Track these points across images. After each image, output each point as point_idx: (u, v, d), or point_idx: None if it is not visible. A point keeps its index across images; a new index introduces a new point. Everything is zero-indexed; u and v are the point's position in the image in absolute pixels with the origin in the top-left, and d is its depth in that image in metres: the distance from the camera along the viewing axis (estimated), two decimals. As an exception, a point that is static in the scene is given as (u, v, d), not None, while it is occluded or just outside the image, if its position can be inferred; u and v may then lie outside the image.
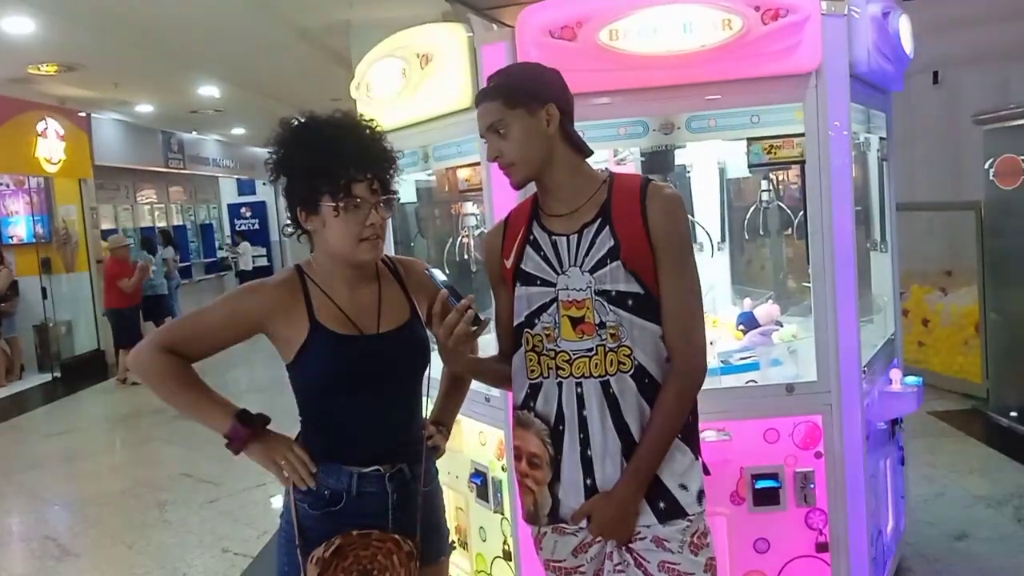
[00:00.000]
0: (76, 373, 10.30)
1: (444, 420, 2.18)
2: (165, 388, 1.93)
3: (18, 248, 11.00)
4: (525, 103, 1.87)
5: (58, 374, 10.33)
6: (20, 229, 11.15)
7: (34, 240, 10.91)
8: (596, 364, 1.87)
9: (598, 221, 1.89)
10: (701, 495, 1.94)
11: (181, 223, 16.32)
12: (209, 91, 11.23)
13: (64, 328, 10.73)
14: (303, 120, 1.92)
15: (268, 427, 1.97)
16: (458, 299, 1.83)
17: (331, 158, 1.84)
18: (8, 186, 11.11)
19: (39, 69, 8.91)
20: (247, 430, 1.90)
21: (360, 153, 1.87)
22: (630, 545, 1.91)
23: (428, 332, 1.98)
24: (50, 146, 10.38)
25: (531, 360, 1.94)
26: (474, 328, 1.82)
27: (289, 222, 1.97)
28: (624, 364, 1.86)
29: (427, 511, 2.03)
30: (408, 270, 2.08)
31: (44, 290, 10.55)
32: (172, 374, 1.92)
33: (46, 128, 10.30)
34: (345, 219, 1.85)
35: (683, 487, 1.90)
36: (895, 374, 3.21)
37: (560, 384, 1.90)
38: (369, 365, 1.92)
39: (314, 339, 1.89)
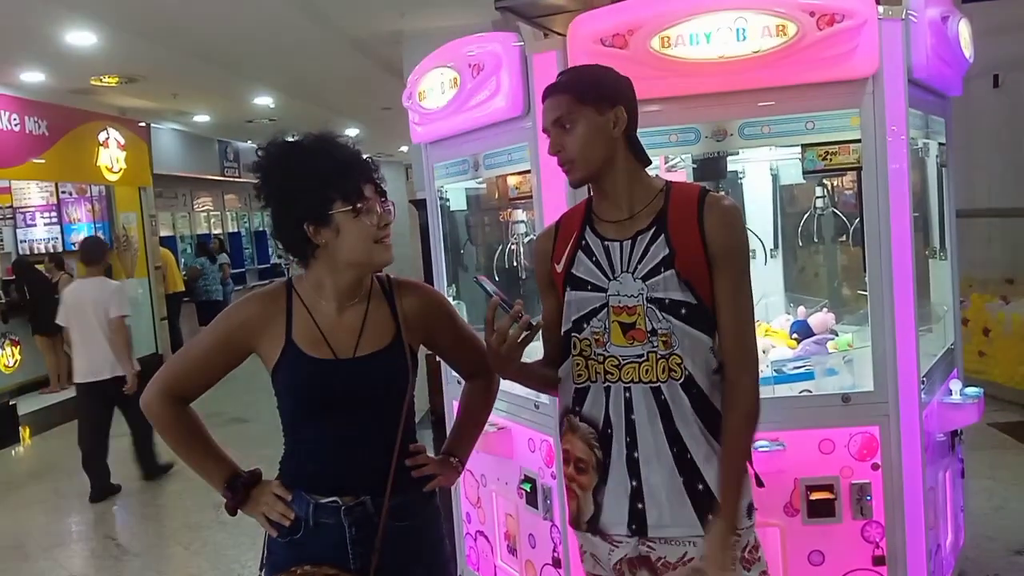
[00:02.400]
0: (135, 376, 10.53)
1: (458, 452, 2.12)
2: (170, 441, 1.97)
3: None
4: (595, 101, 1.87)
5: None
6: (82, 236, 11.45)
7: (96, 247, 11.22)
8: (647, 370, 1.86)
9: (653, 229, 1.88)
10: (751, 509, 1.92)
11: (236, 230, 16.63)
12: (264, 101, 11.43)
13: (124, 332, 10.99)
14: (287, 141, 1.89)
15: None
16: (509, 306, 1.83)
17: (337, 165, 1.83)
18: (71, 194, 11.44)
19: (101, 80, 9.16)
20: (235, 498, 1.91)
21: (356, 158, 1.88)
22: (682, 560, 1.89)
23: (409, 359, 1.94)
24: (111, 155, 10.67)
25: (578, 365, 1.93)
26: (526, 334, 1.82)
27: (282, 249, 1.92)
28: (675, 372, 1.85)
29: (399, 548, 1.90)
30: (403, 292, 1.98)
31: (105, 296, 10.81)
32: (176, 427, 1.94)
33: (107, 138, 10.58)
34: (360, 222, 1.82)
35: (732, 502, 1.89)
36: (955, 384, 3.13)
37: (608, 389, 1.90)
38: (335, 391, 1.86)
39: (286, 358, 1.87)
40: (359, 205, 1.81)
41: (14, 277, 9.95)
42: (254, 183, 1.92)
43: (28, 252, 11.28)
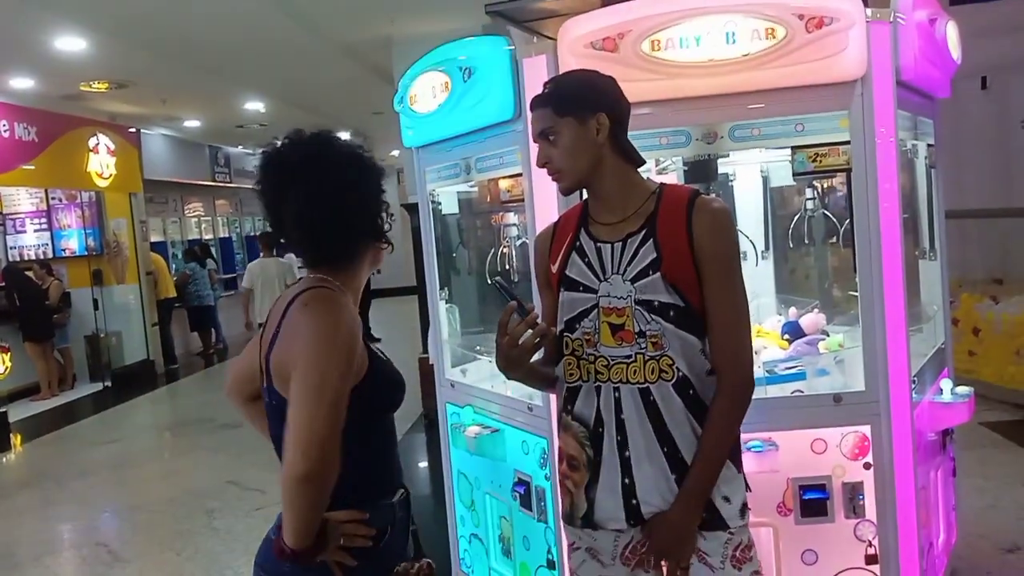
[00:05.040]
0: (126, 382, 10.53)
1: None
2: (322, 506, 1.68)
3: (70, 260, 11.28)
4: (574, 111, 1.89)
5: (109, 383, 10.57)
6: (72, 242, 11.43)
7: (86, 252, 11.20)
8: (634, 371, 1.87)
9: (643, 232, 1.90)
10: (744, 509, 1.93)
11: (227, 235, 16.57)
12: (255, 106, 11.42)
13: (115, 339, 10.98)
14: (332, 135, 1.85)
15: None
16: (524, 311, 1.84)
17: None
18: (61, 200, 11.40)
19: (91, 86, 9.13)
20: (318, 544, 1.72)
21: None
22: None
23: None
24: (101, 161, 10.64)
25: (570, 364, 1.95)
26: (539, 340, 1.85)
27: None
28: (666, 373, 1.86)
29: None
30: None
31: (96, 301, 10.81)
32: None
33: (97, 144, 10.56)
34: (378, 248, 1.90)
35: (726, 499, 1.90)
36: (945, 384, 3.15)
37: (598, 388, 1.92)
38: (404, 385, 1.91)
39: (374, 369, 1.78)
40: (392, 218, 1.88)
41: (4, 284, 9.92)
42: (291, 173, 1.76)
43: (18, 258, 11.24)
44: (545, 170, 1.97)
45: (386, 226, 1.87)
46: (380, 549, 1.80)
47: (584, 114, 1.89)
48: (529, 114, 2.01)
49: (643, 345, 1.87)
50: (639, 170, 1.99)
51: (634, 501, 1.89)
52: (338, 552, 1.74)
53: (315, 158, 1.79)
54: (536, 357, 1.93)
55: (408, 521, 1.91)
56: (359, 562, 1.76)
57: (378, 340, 2.24)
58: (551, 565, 2.98)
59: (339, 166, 1.79)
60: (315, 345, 1.66)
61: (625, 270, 1.89)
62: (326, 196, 1.76)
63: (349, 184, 1.79)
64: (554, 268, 1.99)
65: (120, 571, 4.79)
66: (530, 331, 1.83)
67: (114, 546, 5.24)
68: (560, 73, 2.04)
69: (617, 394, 1.89)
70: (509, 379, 2.06)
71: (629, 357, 1.88)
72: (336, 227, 1.78)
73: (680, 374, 1.86)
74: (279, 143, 1.83)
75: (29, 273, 10.24)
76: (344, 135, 2.05)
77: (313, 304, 1.73)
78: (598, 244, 1.94)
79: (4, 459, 7.84)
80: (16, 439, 8.31)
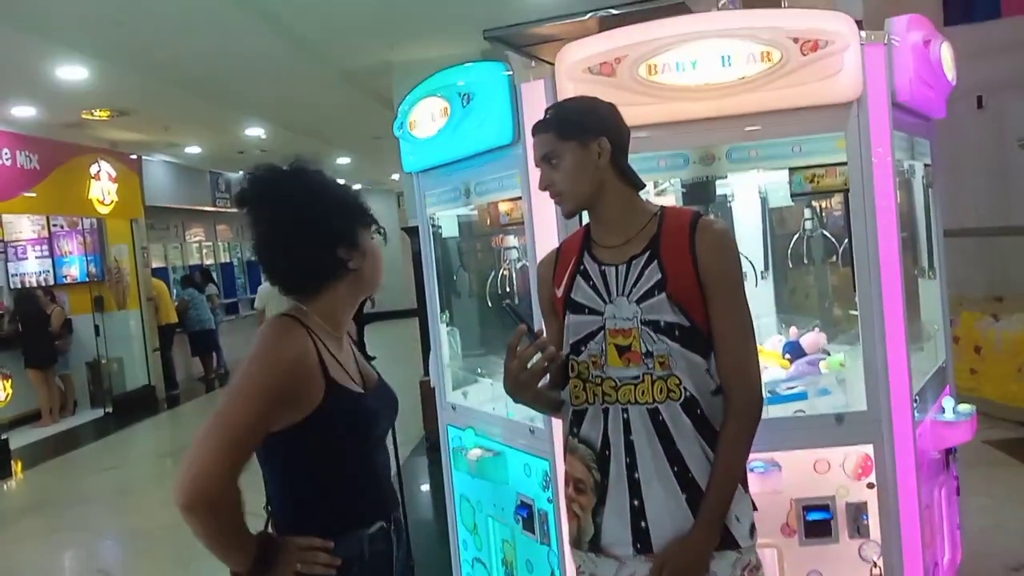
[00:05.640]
0: (127, 408, 10.51)
1: None
2: (224, 533, 1.68)
3: (72, 287, 11.30)
4: (577, 135, 1.91)
5: (110, 409, 10.55)
6: (74, 269, 11.46)
7: (87, 279, 11.22)
8: (642, 392, 1.88)
9: (647, 254, 1.92)
10: (753, 529, 1.93)
11: (228, 260, 16.61)
12: (255, 132, 11.49)
13: (116, 365, 10.98)
14: (301, 166, 1.84)
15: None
16: (533, 335, 1.86)
17: (351, 191, 1.90)
18: (63, 227, 11.44)
19: (92, 114, 9.20)
20: (263, 569, 1.73)
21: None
22: None
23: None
24: (103, 188, 10.69)
25: (576, 387, 1.96)
26: (547, 364, 1.85)
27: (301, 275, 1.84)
28: (674, 393, 1.87)
29: (409, 553, 2.02)
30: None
31: (97, 328, 10.82)
32: (237, 517, 1.69)
33: (99, 171, 10.61)
34: (379, 243, 1.89)
35: (737, 519, 1.90)
36: (947, 402, 3.15)
37: (606, 410, 1.92)
38: (374, 421, 1.89)
39: (330, 400, 1.75)
40: (375, 228, 1.88)
41: (12, 309, 9.94)
42: (249, 208, 1.81)
43: (20, 285, 11.26)
44: (548, 193, 1.99)
45: (348, 256, 1.82)
46: None
47: (586, 138, 1.91)
48: (529, 139, 2.03)
49: (651, 365, 1.88)
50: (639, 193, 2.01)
51: (643, 524, 1.89)
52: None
53: (263, 197, 1.83)
54: (543, 381, 1.94)
55: (389, 555, 1.88)
56: None
57: (373, 358, 2.27)
58: (555, 588, 2.96)
59: (288, 205, 1.80)
60: (240, 373, 1.70)
61: (630, 291, 1.91)
62: (275, 235, 1.80)
63: (299, 221, 1.79)
64: (559, 292, 2.01)
65: (122, 599, 4.77)
66: (539, 354, 1.84)
67: (115, 572, 5.23)
68: (561, 99, 2.06)
69: (626, 415, 1.89)
70: (516, 403, 2.06)
71: (637, 378, 1.89)
72: (287, 263, 1.82)
73: (688, 394, 1.87)
74: (245, 179, 1.88)
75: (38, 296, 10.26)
76: (344, 160, 2.07)
77: (263, 331, 1.77)
78: (602, 267, 1.96)
79: (5, 486, 7.82)
80: (17, 465, 8.29)
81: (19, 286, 11.23)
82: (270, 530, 1.86)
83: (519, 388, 1.91)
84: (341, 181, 2.00)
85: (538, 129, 1.98)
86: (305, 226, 1.79)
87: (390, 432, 2.02)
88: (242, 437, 1.65)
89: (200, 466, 1.61)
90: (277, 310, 1.88)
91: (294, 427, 1.74)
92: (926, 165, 3.43)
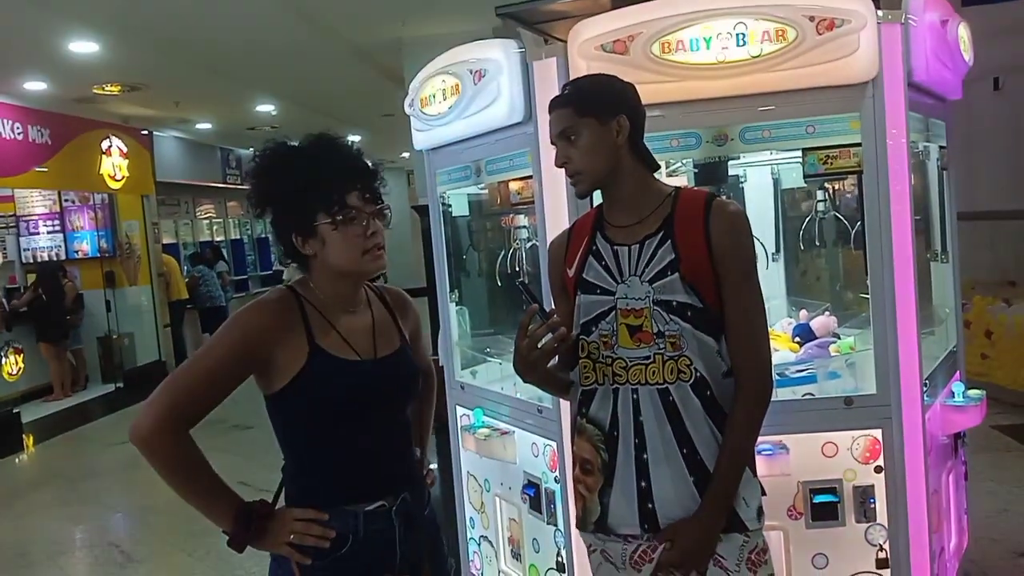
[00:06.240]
0: (138, 383, 10.57)
1: (422, 446, 2.15)
2: (173, 476, 1.75)
3: (83, 262, 11.35)
4: (596, 112, 1.89)
5: (121, 384, 10.63)
6: (85, 244, 11.49)
7: (99, 255, 11.27)
8: (653, 372, 1.87)
9: (660, 234, 1.91)
10: (760, 512, 1.93)
11: (238, 237, 16.63)
12: (266, 108, 11.46)
13: (127, 340, 11.05)
14: (279, 146, 1.85)
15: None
16: (545, 315, 1.85)
17: (319, 173, 1.80)
18: (74, 202, 11.48)
19: (103, 89, 9.18)
20: (247, 532, 1.76)
21: (345, 164, 1.83)
22: None
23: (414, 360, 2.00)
24: (114, 163, 10.72)
25: (586, 367, 1.95)
26: (556, 345, 1.85)
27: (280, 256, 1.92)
28: (684, 373, 1.86)
29: (432, 537, 1.99)
30: (394, 298, 2.02)
31: (108, 303, 10.88)
32: (182, 459, 1.75)
33: (110, 146, 10.63)
34: (344, 232, 1.79)
35: (744, 501, 1.90)
36: (957, 387, 3.14)
37: (616, 391, 1.91)
38: (369, 391, 1.85)
39: (313, 364, 1.78)
40: (339, 217, 1.79)
41: (36, 282, 10.01)
42: (246, 190, 1.87)
43: (32, 260, 11.33)
44: (564, 171, 1.97)
45: (302, 244, 1.83)
46: (341, 555, 1.80)
47: (605, 115, 1.89)
48: (541, 117, 2.02)
49: (662, 346, 1.87)
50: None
51: (650, 505, 1.89)
52: (285, 547, 1.78)
53: (253, 173, 1.88)
54: (552, 362, 1.94)
55: (391, 535, 1.85)
56: (316, 562, 1.78)
57: None
58: (561, 568, 2.98)
59: (256, 179, 1.87)
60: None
61: (643, 271, 1.90)
62: (259, 208, 1.86)
63: (260, 205, 1.86)
64: (570, 272, 2.00)
65: (132, 571, 4.82)
66: (550, 334, 1.83)
67: (126, 546, 5.28)
68: (579, 76, 2.04)
69: (635, 396, 1.89)
70: (525, 382, 2.06)
71: (648, 358, 1.88)
72: (274, 235, 1.87)
73: (698, 375, 1.86)
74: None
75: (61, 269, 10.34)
76: (354, 137, 2.04)
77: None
78: (615, 247, 1.95)
79: (17, 459, 7.90)
80: (29, 439, 8.37)
81: (30, 260, 11.29)
82: (281, 501, 1.88)
83: (528, 368, 1.91)
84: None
85: (556, 104, 1.95)
86: (270, 211, 1.85)
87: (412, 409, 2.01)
88: (190, 385, 1.75)
89: (145, 407, 1.75)
90: None
91: (285, 389, 1.80)
92: (941, 147, 3.39)
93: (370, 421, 1.86)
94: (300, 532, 1.78)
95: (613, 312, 1.91)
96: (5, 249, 11.23)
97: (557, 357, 1.96)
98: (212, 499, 1.79)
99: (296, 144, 1.86)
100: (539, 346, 1.85)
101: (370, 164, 1.88)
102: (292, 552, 1.78)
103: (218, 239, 15.50)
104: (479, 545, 3.55)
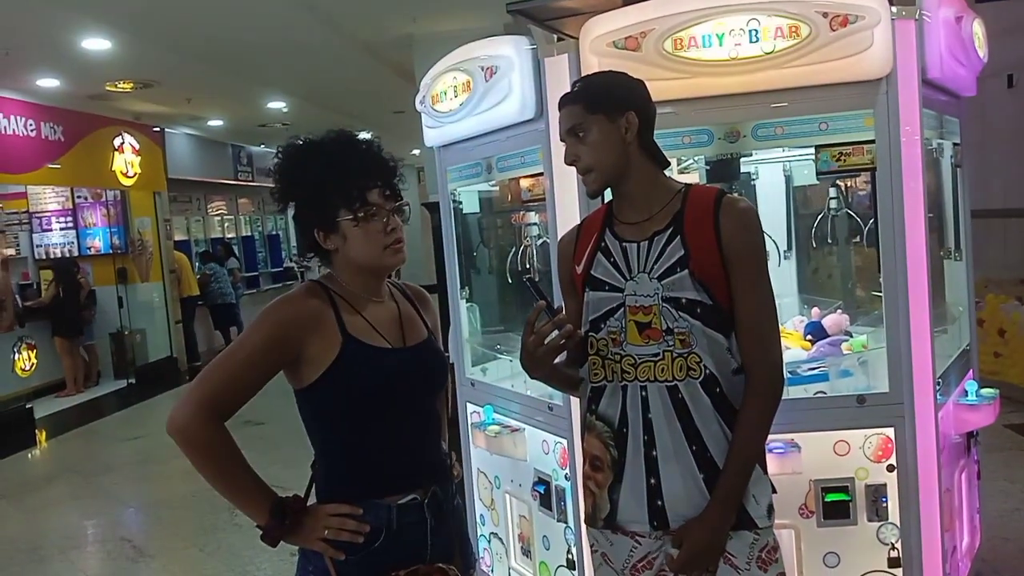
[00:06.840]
0: (150, 379, 10.63)
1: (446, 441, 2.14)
2: (210, 468, 1.77)
3: (96, 259, 11.41)
4: (605, 109, 1.89)
5: (133, 380, 10.68)
6: (98, 240, 11.55)
7: (111, 251, 11.32)
8: (662, 369, 1.87)
9: (669, 230, 1.90)
10: (771, 510, 1.92)
11: (249, 234, 16.68)
12: (277, 105, 11.49)
13: (139, 336, 11.11)
14: (301, 143, 1.88)
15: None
16: (552, 312, 1.84)
17: (340, 170, 1.82)
18: (87, 199, 11.53)
19: (116, 86, 9.22)
20: (281, 527, 1.76)
21: (366, 162, 1.85)
22: None
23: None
24: (126, 160, 10.76)
25: (595, 364, 1.95)
26: (564, 340, 1.84)
27: (298, 252, 1.96)
28: (694, 371, 1.86)
29: (459, 529, 2.00)
30: (416, 293, 2.05)
31: (120, 299, 10.94)
32: (219, 452, 1.76)
33: (122, 143, 10.68)
34: (365, 228, 1.82)
35: (755, 499, 1.89)
36: (970, 386, 3.12)
37: (625, 388, 1.91)
38: (402, 378, 1.86)
39: (346, 353, 1.79)
40: (360, 214, 1.81)
41: (55, 278, 10.08)
42: (270, 186, 1.90)
43: (45, 256, 11.39)
44: (574, 169, 1.96)
45: (324, 239, 1.86)
46: (374, 549, 1.79)
47: (614, 112, 1.89)
48: (552, 114, 2.02)
49: (671, 342, 1.86)
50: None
51: (659, 502, 1.89)
52: (319, 543, 1.78)
53: (276, 170, 1.90)
54: (560, 359, 1.93)
55: (423, 529, 1.86)
56: (349, 557, 1.78)
57: None
58: (571, 565, 2.98)
59: (279, 176, 1.89)
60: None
61: (652, 268, 1.89)
62: (282, 204, 1.90)
63: (283, 201, 1.90)
64: (579, 269, 1.99)
65: (144, 566, 4.84)
66: (557, 331, 1.83)
67: (138, 541, 5.30)
68: (589, 73, 2.04)
69: (644, 393, 1.89)
70: (532, 378, 2.06)
71: (657, 355, 1.88)
72: (297, 230, 1.90)
73: (707, 371, 1.86)
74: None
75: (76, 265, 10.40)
76: (365, 135, 2.05)
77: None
78: (624, 244, 1.94)
79: (30, 454, 7.95)
80: (41, 435, 8.43)
81: (43, 257, 11.36)
82: (313, 495, 1.88)
83: (535, 364, 1.90)
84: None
85: (565, 101, 1.95)
86: (297, 193, 1.87)
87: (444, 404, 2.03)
88: (226, 377, 1.77)
89: (181, 399, 1.76)
90: None
91: (317, 381, 1.80)
92: (955, 144, 3.37)
93: (402, 412, 1.86)
94: (335, 527, 1.78)
95: (622, 309, 1.91)
96: (19, 246, 11.30)
97: (564, 354, 1.96)
98: (247, 492, 1.80)
99: (318, 140, 1.88)
100: (545, 343, 1.84)
101: (390, 161, 1.90)
102: (326, 548, 1.78)
103: (229, 236, 15.55)
104: (489, 542, 3.56)
